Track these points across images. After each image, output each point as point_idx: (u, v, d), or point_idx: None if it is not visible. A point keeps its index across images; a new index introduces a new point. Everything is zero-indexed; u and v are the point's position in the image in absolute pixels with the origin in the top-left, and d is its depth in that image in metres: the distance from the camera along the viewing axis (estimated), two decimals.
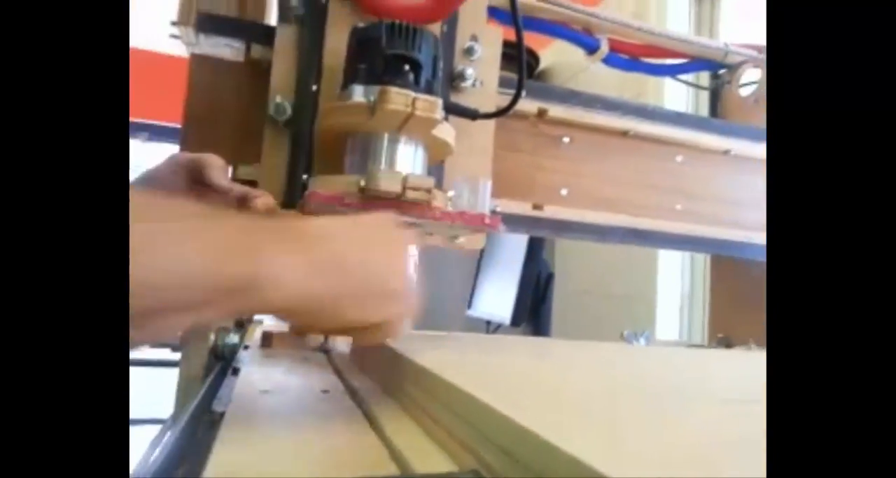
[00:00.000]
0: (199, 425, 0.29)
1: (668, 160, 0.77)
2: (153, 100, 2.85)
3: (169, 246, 0.23)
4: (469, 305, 1.32)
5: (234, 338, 0.44)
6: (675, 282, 1.23)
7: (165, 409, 0.52)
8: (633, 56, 0.83)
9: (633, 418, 0.23)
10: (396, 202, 0.44)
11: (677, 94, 1.32)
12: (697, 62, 0.88)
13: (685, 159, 0.78)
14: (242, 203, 0.46)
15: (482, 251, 1.35)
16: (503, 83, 0.64)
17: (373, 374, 0.41)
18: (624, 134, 0.74)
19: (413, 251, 0.34)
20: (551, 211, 0.69)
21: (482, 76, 0.62)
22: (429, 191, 0.44)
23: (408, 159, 0.48)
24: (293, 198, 0.53)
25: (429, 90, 0.47)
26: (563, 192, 0.71)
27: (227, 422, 0.28)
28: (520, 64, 0.56)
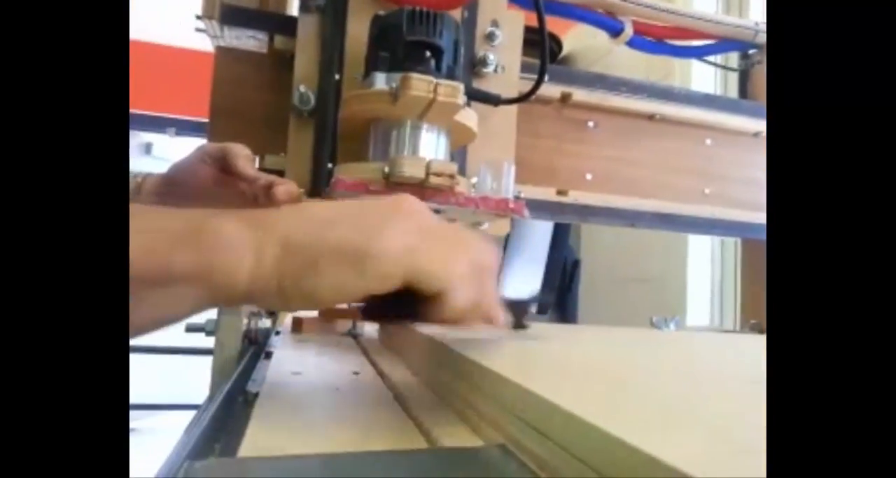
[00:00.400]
0: (234, 405, 0.29)
1: (696, 143, 0.76)
2: (181, 95, 2.91)
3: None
4: None
5: (265, 322, 0.45)
6: (706, 267, 1.21)
7: (200, 395, 0.54)
8: (658, 38, 0.82)
9: (659, 395, 0.23)
10: (419, 188, 0.45)
11: (705, 76, 1.29)
12: (726, 43, 0.86)
13: (714, 142, 0.76)
14: (268, 191, 0.46)
15: (507, 240, 1.34)
16: (525, 69, 0.63)
17: (401, 356, 0.42)
18: (650, 117, 0.73)
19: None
20: (576, 196, 0.68)
21: (504, 61, 0.61)
22: (452, 176, 0.44)
23: (430, 146, 0.48)
24: (319, 186, 0.54)
25: (450, 76, 0.47)
26: (588, 176, 0.70)
27: (261, 401, 0.29)
28: (542, 47, 0.55)
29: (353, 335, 0.57)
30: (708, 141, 0.75)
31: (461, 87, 0.44)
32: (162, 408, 2.70)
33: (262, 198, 0.47)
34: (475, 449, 0.21)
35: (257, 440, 0.23)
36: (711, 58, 0.89)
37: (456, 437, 0.23)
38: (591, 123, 0.71)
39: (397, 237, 0.24)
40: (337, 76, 0.56)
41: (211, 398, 0.30)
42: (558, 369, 0.28)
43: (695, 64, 1.26)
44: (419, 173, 0.43)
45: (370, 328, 0.58)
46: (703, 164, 0.75)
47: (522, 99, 0.58)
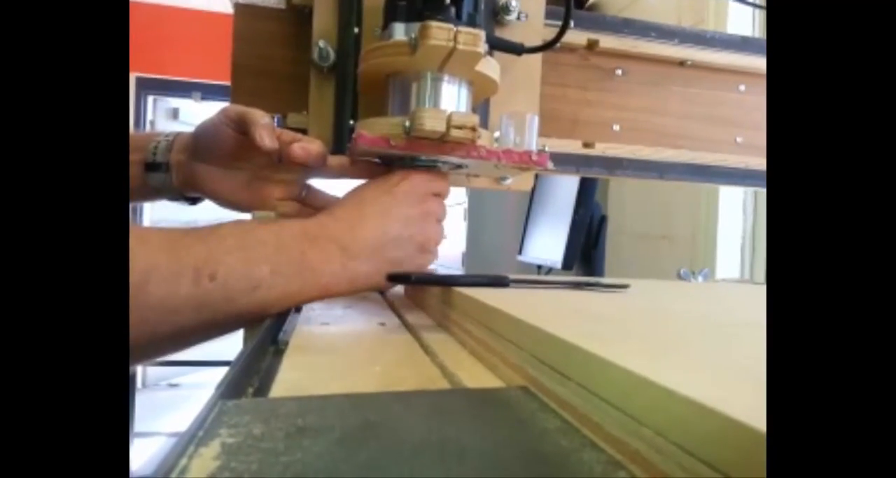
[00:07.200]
0: (266, 354, 0.31)
1: (729, 90, 0.72)
2: (206, 59, 2.91)
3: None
4: (520, 251, 1.32)
5: None
6: (737, 220, 1.18)
7: (237, 351, 0.56)
8: None
9: (674, 337, 0.23)
10: (440, 143, 0.44)
11: (742, 20, 1.22)
12: None
13: (748, 88, 0.73)
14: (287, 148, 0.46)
15: (532, 197, 1.33)
16: (550, 15, 0.61)
17: (427, 309, 0.42)
18: (681, 64, 0.70)
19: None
20: (603, 149, 0.67)
21: (527, 8, 0.59)
22: (474, 129, 0.43)
23: (451, 98, 0.48)
24: (341, 144, 0.54)
25: (471, 24, 0.46)
26: (616, 127, 0.68)
27: (291, 350, 0.30)
28: None
29: (380, 291, 0.58)
30: (742, 87, 0.72)
31: (482, 34, 0.43)
32: (202, 364, 2.83)
33: (284, 156, 0.47)
34: (497, 390, 0.22)
35: (288, 384, 0.24)
36: None
37: (479, 380, 0.24)
38: (618, 71, 0.68)
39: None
40: (356, 30, 0.55)
41: (243, 349, 0.32)
42: (574, 314, 0.28)
43: (731, 6, 1.19)
44: (440, 126, 0.42)
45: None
46: (736, 111, 0.72)
47: (547, 47, 0.56)
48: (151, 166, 0.53)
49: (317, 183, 0.55)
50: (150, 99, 3.07)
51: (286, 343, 0.32)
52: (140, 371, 2.99)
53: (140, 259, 0.33)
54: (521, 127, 0.50)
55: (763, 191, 1.13)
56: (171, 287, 0.34)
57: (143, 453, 2.34)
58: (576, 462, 0.15)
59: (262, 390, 0.24)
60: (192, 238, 0.36)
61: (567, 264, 1.03)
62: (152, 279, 0.33)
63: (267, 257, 0.37)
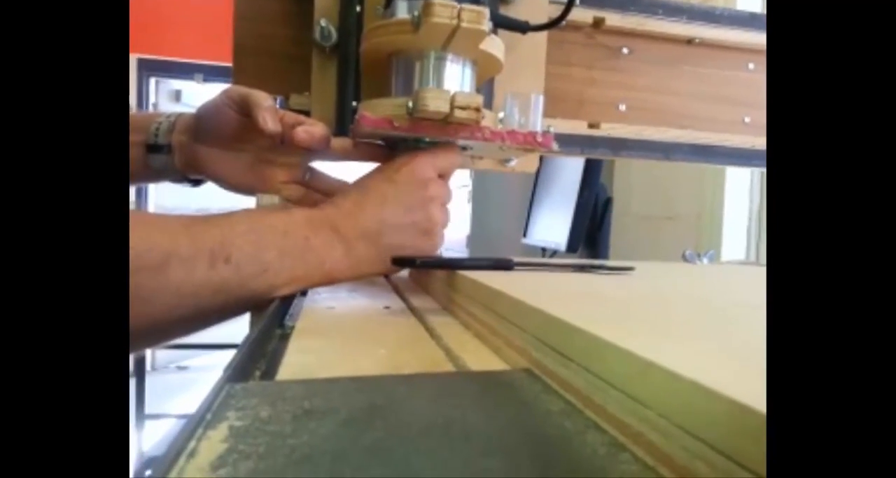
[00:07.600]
0: (272, 337, 0.31)
1: (737, 69, 0.71)
2: (208, 41, 2.88)
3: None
4: (524, 234, 1.32)
5: None
6: (744, 201, 1.18)
7: (243, 335, 0.56)
8: None
9: (679, 319, 0.23)
10: (444, 124, 0.44)
11: None
12: None
13: (757, 67, 0.71)
14: (290, 131, 0.46)
15: (536, 179, 1.32)
16: None
17: (431, 293, 0.42)
18: (689, 42, 0.69)
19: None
20: (608, 129, 0.66)
21: None
22: (478, 109, 0.42)
23: (455, 78, 0.47)
24: (344, 125, 0.54)
25: (475, 1, 0.45)
26: (622, 107, 0.67)
27: (297, 334, 0.30)
28: None
29: (385, 275, 0.58)
30: (751, 65, 0.71)
31: (486, 12, 0.42)
32: (210, 348, 2.87)
33: (287, 139, 0.47)
34: (502, 372, 0.22)
35: (294, 367, 0.24)
36: None
37: (484, 363, 0.24)
38: (625, 50, 0.67)
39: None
40: (358, 8, 0.54)
41: (250, 332, 0.32)
42: (578, 296, 0.28)
43: None
44: (444, 107, 0.42)
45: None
46: (745, 91, 0.71)
47: (552, 25, 0.55)
48: (153, 148, 0.53)
49: (320, 166, 0.54)
50: (153, 81, 3.05)
51: (292, 327, 0.32)
52: (149, 355, 3.03)
53: (160, 243, 0.34)
54: (525, 107, 0.49)
55: None
56: (188, 270, 0.34)
57: (153, 434, 2.39)
58: (579, 444, 0.15)
59: (269, 373, 0.24)
60: (208, 224, 0.37)
61: (572, 247, 1.03)
62: (172, 263, 0.34)
63: (275, 242, 0.38)
